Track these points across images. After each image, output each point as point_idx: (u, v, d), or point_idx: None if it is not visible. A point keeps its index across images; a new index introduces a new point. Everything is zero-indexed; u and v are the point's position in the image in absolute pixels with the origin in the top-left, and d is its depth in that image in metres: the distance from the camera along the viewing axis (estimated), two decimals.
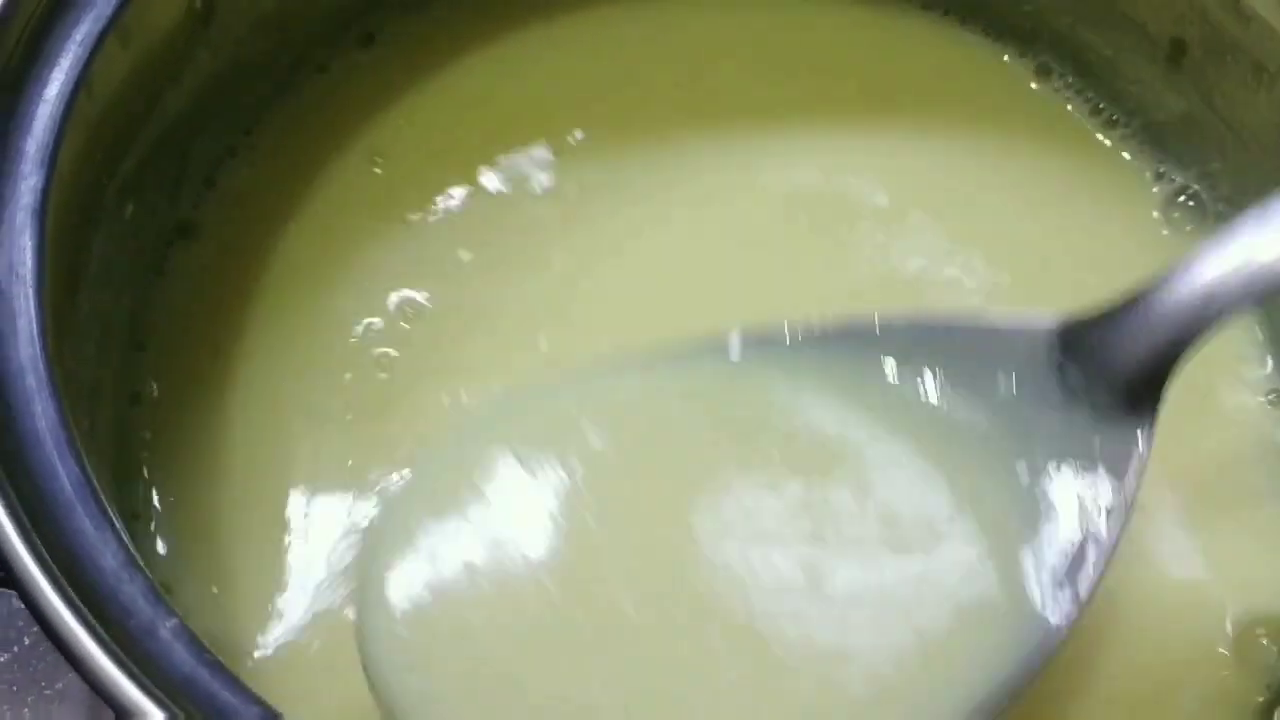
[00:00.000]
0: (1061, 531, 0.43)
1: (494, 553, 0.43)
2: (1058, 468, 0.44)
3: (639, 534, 0.43)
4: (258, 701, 0.39)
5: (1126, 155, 0.61)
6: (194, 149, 0.56)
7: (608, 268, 0.57)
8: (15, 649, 0.53)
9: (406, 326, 0.55)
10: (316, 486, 0.53)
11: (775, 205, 0.58)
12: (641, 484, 0.44)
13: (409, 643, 0.42)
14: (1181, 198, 0.60)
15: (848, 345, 0.46)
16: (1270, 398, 0.56)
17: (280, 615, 0.50)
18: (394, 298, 0.56)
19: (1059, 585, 0.42)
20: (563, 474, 0.44)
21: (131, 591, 0.40)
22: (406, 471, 0.52)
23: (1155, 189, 0.60)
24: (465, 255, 0.57)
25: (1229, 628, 0.52)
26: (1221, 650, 0.51)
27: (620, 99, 0.60)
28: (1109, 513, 0.43)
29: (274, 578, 0.51)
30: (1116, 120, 0.61)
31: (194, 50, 0.54)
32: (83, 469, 0.41)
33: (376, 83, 0.60)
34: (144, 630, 0.39)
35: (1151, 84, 0.60)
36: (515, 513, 0.44)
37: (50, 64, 0.46)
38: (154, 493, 0.52)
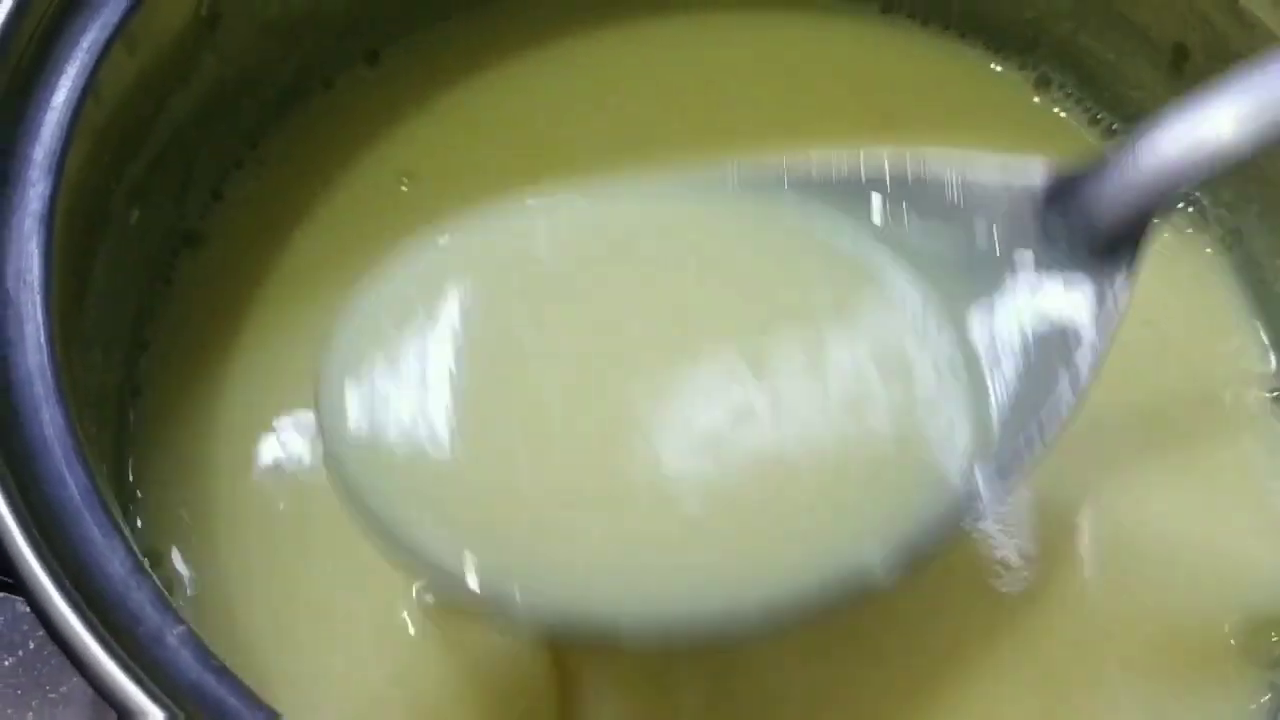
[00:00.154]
0: (1031, 375, 0.43)
1: (448, 359, 0.43)
2: (1032, 314, 0.44)
3: (592, 345, 0.44)
4: (263, 707, 0.39)
5: None
6: (200, 156, 0.56)
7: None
8: (20, 653, 0.53)
9: None
10: (316, 490, 0.52)
11: None
12: (601, 304, 0.45)
13: (365, 444, 0.42)
14: (1181, 204, 0.60)
15: (835, 187, 0.46)
16: (1274, 395, 0.56)
17: (277, 615, 0.50)
18: None
19: (1024, 427, 0.43)
20: (521, 290, 0.44)
21: (139, 598, 0.40)
22: None
23: None
24: None
25: (1235, 627, 0.52)
26: (1228, 650, 0.51)
27: (623, 116, 0.60)
28: (1080, 360, 0.43)
29: (271, 578, 0.51)
30: (1116, 129, 0.62)
31: (200, 56, 0.54)
32: (90, 476, 0.41)
33: (382, 99, 0.60)
34: (152, 637, 0.40)
35: (1153, 90, 0.60)
36: (470, 323, 0.43)
37: (58, 71, 0.46)
38: (150, 492, 0.52)
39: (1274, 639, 0.52)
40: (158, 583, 0.41)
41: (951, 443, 0.43)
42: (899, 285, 0.45)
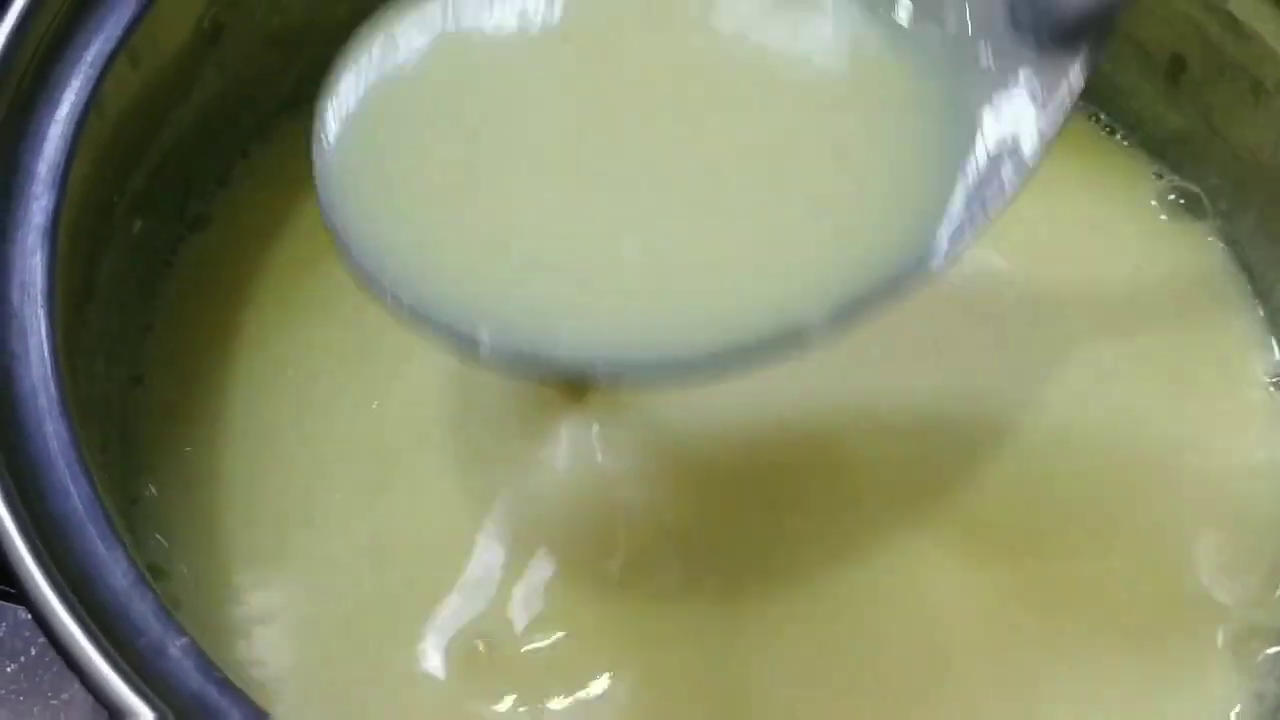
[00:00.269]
0: (985, 149, 0.44)
1: (435, 85, 0.44)
2: (993, 96, 0.45)
3: (556, 105, 0.45)
4: (265, 717, 0.40)
5: (1125, 161, 0.62)
6: (201, 163, 0.57)
7: None
8: (22, 659, 0.53)
9: None
10: (318, 488, 0.53)
11: None
12: (572, 67, 0.45)
13: (356, 160, 0.43)
14: (1174, 196, 0.60)
15: None
16: (1273, 386, 0.57)
17: (281, 606, 0.51)
18: None
19: (972, 201, 0.43)
20: (508, 30, 0.45)
21: (142, 610, 0.40)
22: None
23: (1151, 199, 0.61)
24: None
25: (1226, 631, 0.52)
26: (1219, 654, 0.52)
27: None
28: (1033, 137, 0.44)
29: (276, 570, 0.51)
30: (1116, 131, 0.62)
31: (203, 69, 0.54)
32: (94, 489, 0.42)
33: None
34: (154, 649, 0.40)
35: (1150, 101, 0.60)
36: (459, 54, 0.45)
37: (61, 85, 0.47)
38: (152, 485, 0.52)
39: (1260, 648, 0.52)
40: (159, 595, 0.41)
41: (901, 206, 0.43)
42: (858, 43, 0.46)
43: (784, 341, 0.41)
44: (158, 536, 0.51)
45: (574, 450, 0.53)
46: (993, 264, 0.58)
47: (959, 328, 0.57)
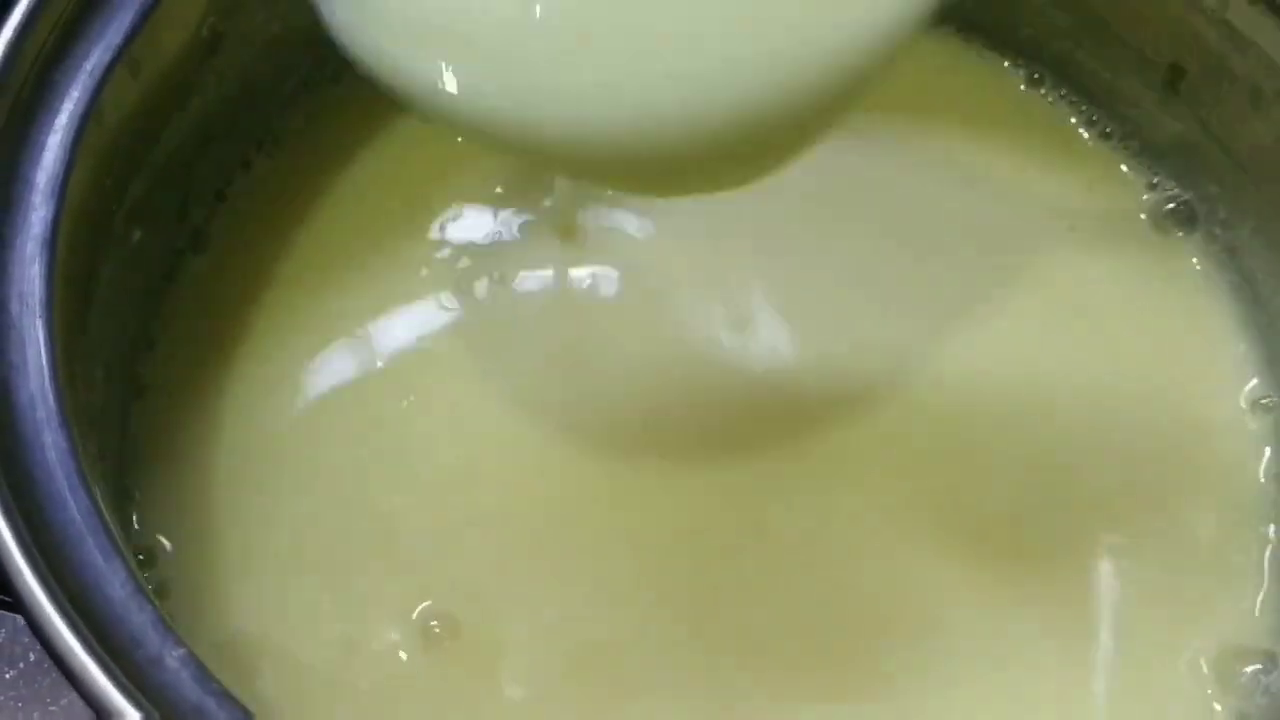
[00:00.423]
0: None
1: None
2: None
3: None
4: None
5: (1124, 168, 0.62)
6: (201, 172, 0.57)
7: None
8: (21, 665, 0.53)
9: None
10: (315, 491, 0.53)
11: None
12: None
13: None
14: (1172, 204, 0.60)
15: None
16: (1262, 405, 0.57)
17: (280, 615, 0.51)
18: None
19: None
20: None
21: (140, 620, 0.40)
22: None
23: (1147, 197, 0.61)
24: (466, 262, 0.58)
25: (1211, 650, 0.52)
26: (1202, 673, 0.52)
27: None
28: None
29: (272, 579, 0.52)
30: (1110, 133, 0.62)
31: (202, 77, 0.54)
32: (92, 500, 0.42)
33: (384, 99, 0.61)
34: (151, 660, 0.40)
35: (1148, 108, 0.60)
36: None
37: (61, 94, 0.47)
38: (149, 494, 0.53)
39: (1241, 668, 0.52)
40: (157, 605, 0.41)
41: None
42: None
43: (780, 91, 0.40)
44: (155, 540, 0.51)
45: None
46: (986, 260, 0.59)
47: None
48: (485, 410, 0.55)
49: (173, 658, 0.40)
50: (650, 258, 0.58)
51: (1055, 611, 0.52)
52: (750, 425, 0.55)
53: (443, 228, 0.59)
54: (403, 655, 0.50)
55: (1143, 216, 0.60)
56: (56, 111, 0.46)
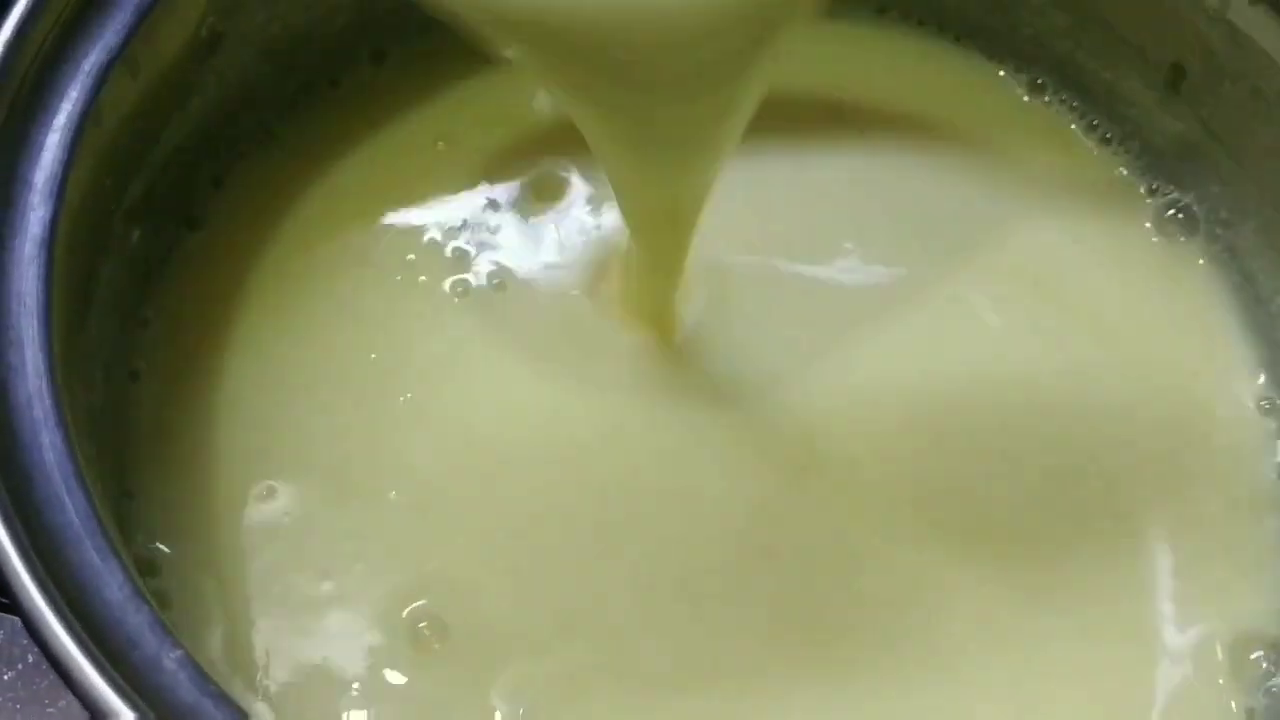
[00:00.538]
0: None
1: None
2: None
3: None
4: None
5: (1123, 171, 0.62)
6: (200, 172, 0.57)
7: None
8: (19, 666, 0.53)
9: None
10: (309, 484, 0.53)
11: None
12: None
13: None
14: (1173, 207, 0.60)
15: None
16: (1263, 406, 0.57)
17: (273, 603, 0.51)
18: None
19: None
20: None
21: (137, 622, 0.40)
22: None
23: (1149, 201, 0.61)
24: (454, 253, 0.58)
25: (1223, 643, 0.52)
26: (1217, 665, 0.52)
27: None
28: None
29: (266, 570, 0.51)
30: (1110, 138, 0.62)
31: (202, 78, 0.54)
32: (90, 501, 0.42)
33: (386, 94, 0.61)
34: (149, 662, 0.40)
35: (1149, 109, 0.60)
36: None
37: (59, 94, 0.46)
38: (146, 491, 0.52)
39: (1261, 658, 0.52)
40: (154, 606, 0.41)
41: None
42: None
43: None
44: (153, 545, 0.51)
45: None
46: (993, 264, 0.59)
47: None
48: (477, 405, 0.55)
49: (170, 659, 0.40)
50: None
51: (1062, 608, 0.52)
52: (750, 425, 0.55)
53: (434, 220, 0.59)
54: (394, 658, 0.50)
55: (1145, 219, 0.60)
56: (55, 111, 0.46)
